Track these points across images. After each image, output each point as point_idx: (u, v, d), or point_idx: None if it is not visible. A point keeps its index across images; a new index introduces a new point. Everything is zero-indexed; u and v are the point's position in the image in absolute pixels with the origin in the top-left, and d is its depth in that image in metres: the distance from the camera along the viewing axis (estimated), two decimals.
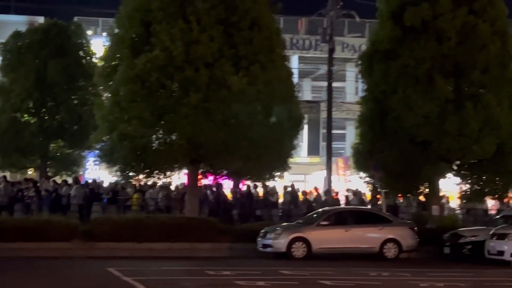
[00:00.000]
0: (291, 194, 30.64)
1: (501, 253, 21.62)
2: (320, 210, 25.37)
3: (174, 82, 23.87)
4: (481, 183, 27.02)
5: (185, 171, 26.87)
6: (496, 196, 27.97)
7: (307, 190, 33.11)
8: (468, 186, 27.46)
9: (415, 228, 24.12)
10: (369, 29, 37.88)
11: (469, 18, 25.37)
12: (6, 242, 21.94)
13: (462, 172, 27.26)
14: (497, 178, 26.82)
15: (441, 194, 28.40)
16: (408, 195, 28.89)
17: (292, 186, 31.64)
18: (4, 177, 30.02)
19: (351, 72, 44.75)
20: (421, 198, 29.01)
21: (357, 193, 31.24)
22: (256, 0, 24.75)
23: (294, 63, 43.15)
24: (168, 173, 26.47)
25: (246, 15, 24.40)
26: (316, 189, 32.45)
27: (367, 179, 28.01)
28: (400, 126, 25.64)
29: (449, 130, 24.98)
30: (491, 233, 22.53)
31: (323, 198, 30.38)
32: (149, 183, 28.15)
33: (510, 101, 25.86)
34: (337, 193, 32.16)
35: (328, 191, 31.43)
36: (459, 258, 23.20)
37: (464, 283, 16.43)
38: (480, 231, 23.70)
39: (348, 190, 33.67)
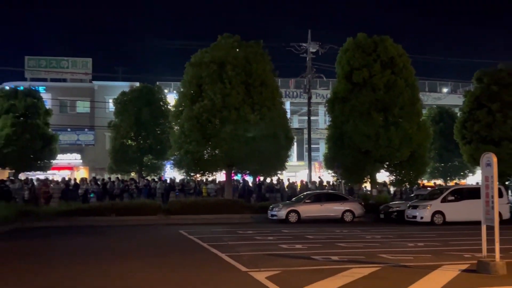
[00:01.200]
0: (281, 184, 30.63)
1: (414, 217, 21.62)
2: (305, 193, 25.27)
3: (216, 119, 24.06)
4: (401, 175, 27.06)
5: (224, 172, 26.96)
6: (410, 182, 28.00)
7: (291, 181, 32.91)
8: (393, 177, 27.50)
9: (362, 203, 24.12)
10: (331, 84, 37.94)
11: (391, 76, 25.49)
12: (119, 216, 22.25)
13: (390, 169, 27.31)
14: (411, 172, 26.87)
15: (378, 182, 28.47)
16: (358, 183, 28.91)
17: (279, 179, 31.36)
18: (118, 177, 30.25)
19: (322, 110, 44.73)
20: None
21: (313, 182, 31.12)
22: (264, 69, 24.96)
23: (287, 106, 43.31)
24: (213, 173, 26.75)
25: (258, 78, 24.63)
26: (288, 179, 32.20)
27: (333, 174, 28.00)
28: (352, 142, 25.69)
29: (381, 144, 25.08)
30: (408, 205, 22.53)
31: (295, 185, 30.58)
32: (204, 179, 28.36)
33: (417, 125, 25.91)
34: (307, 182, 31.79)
35: (302, 181, 31.31)
36: (389, 221, 23.09)
37: (393, 235, 16.49)
38: (402, 204, 23.56)
39: (310, 181, 33.31)
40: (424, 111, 32.10)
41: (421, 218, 21.28)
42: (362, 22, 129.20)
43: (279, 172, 27.16)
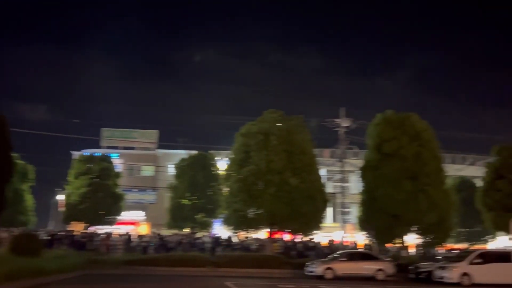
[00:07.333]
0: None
1: (441, 278, 19.65)
2: (340, 252, 23.74)
3: (261, 182, 23.47)
4: (429, 238, 25.16)
5: (266, 229, 25.87)
6: (439, 245, 26.02)
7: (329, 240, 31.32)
8: (422, 239, 25.60)
9: (394, 262, 22.43)
10: (362, 154, 36.97)
11: (418, 148, 24.28)
12: (173, 267, 21.50)
13: (419, 232, 25.00)
14: (438, 236, 24.98)
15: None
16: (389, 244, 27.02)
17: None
18: (176, 233, 29.52)
19: (354, 177, 43.63)
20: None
21: (353, 243, 29.46)
22: (303, 139, 24.59)
23: (322, 173, 42.34)
24: (257, 231, 25.75)
25: (299, 147, 24.18)
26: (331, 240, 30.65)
27: (366, 235, 26.43)
28: (383, 206, 24.01)
29: (410, 208, 23.28)
30: (436, 266, 20.66)
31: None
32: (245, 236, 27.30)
33: (443, 193, 24.39)
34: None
35: (338, 242, 29.72)
36: (418, 280, 21.11)
37: None
38: (430, 265, 21.61)
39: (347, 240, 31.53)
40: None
41: (449, 279, 19.29)
42: (389, 102, 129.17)
43: (315, 231, 25.89)
